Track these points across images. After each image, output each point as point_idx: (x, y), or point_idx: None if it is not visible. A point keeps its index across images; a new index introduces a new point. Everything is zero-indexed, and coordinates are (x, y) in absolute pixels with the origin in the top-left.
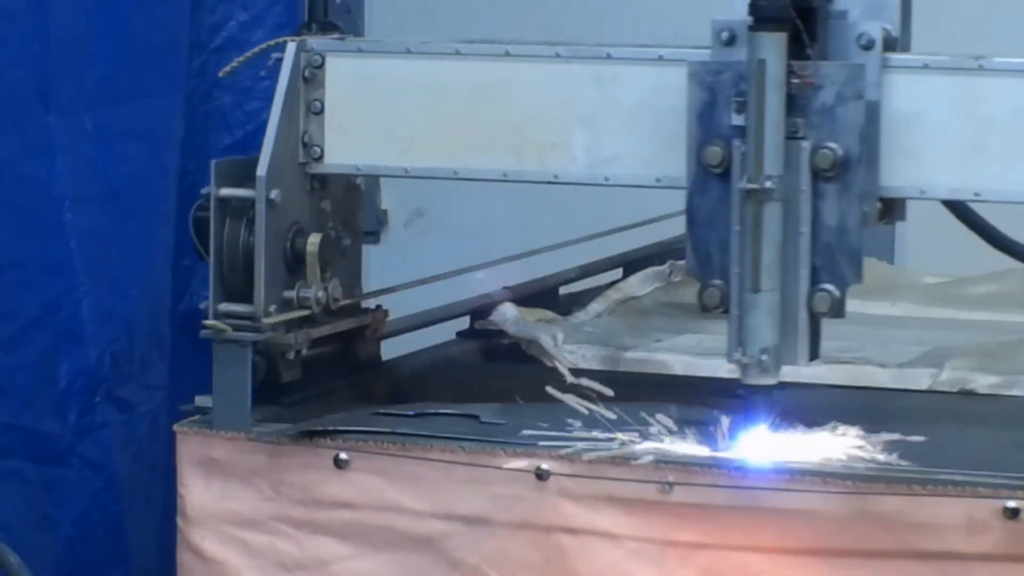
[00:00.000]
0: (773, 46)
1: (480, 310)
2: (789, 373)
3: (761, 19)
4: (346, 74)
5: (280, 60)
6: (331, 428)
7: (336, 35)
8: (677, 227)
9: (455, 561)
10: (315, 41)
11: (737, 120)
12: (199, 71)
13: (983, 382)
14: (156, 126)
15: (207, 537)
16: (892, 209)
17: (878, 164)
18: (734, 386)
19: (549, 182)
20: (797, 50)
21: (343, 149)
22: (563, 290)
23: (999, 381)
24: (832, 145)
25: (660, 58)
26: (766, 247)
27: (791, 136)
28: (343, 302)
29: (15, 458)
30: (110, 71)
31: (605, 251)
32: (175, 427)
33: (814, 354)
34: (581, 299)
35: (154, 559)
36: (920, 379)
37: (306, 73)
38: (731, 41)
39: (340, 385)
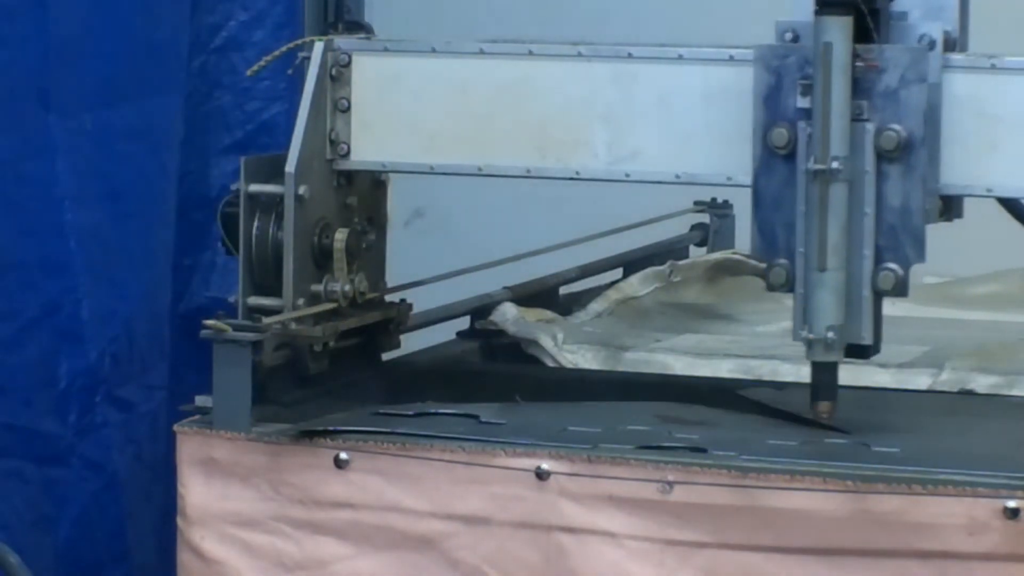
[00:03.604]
0: (839, 29)
1: (480, 310)
2: (790, 373)
3: (827, 3)
4: (372, 73)
5: (306, 60)
6: (331, 428)
7: (362, 35)
8: (677, 227)
9: (455, 561)
10: (342, 40)
11: (802, 103)
12: (199, 71)
13: (983, 382)
14: (156, 126)
15: (207, 537)
16: (951, 207)
17: (939, 160)
18: (734, 386)
19: (571, 178)
20: (861, 34)
21: (369, 146)
22: (563, 290)
23: (999, 381)
24: (896, 127)
25: (680, 57)
26: (831, 227)
27: (856, 118)
28: (369, 296)
29: (15, 458)
30: (110, 71)
31: (605, 251)
32: (175, 427)
33: (877, 333)
34: (581, 299)
35: (154, 559)
36: (920, 379)
37: (333, 72)
38: (795, 40)
39: (338, 385)
